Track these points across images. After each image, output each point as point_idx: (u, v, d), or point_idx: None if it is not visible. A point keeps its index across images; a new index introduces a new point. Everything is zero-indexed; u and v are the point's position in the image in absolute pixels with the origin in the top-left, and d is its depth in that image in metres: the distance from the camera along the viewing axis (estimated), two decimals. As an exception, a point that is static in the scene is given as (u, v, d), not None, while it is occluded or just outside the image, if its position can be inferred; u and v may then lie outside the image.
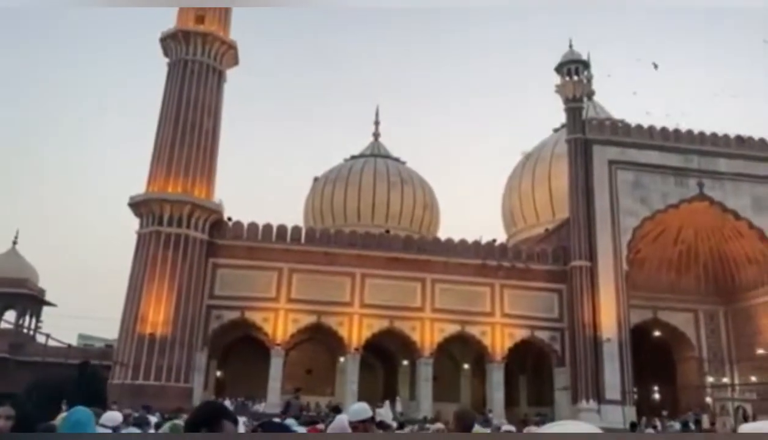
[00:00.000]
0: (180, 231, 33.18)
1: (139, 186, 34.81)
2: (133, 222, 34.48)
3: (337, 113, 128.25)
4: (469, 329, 35.75)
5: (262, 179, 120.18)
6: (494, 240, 39.67)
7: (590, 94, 47.37)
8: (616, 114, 48.29)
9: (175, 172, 34.38)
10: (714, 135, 39.03)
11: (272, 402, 32.45)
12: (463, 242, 37.53)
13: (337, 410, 19.09)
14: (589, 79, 40.68)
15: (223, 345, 37.32)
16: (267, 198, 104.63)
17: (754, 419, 32.93)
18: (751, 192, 37.97)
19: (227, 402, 30.56)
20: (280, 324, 34.18)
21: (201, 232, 33.98)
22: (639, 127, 38.97)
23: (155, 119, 36.23)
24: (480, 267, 36.46)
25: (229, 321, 34.12)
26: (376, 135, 58.64)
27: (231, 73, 39.11)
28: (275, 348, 33.91)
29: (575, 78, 39.55)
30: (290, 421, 9.28)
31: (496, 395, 35.30)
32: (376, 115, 59.77)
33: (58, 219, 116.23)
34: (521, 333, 36.13)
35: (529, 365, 40.41)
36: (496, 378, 35.72)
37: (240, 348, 37.49)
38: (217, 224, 35.05)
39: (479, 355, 37.78)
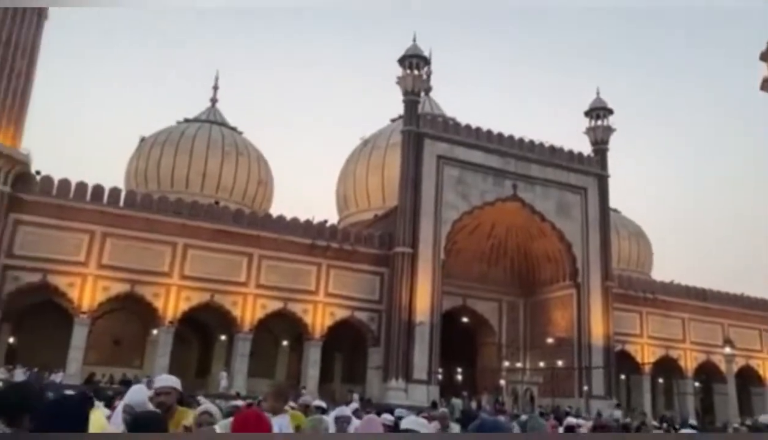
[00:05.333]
0: (-24, 180, 29.64)
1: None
2: None
3: (174, 71, 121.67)
4: (292, 306, 36.01)
5: (86, 133, 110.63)
6: (325, 221, 40.18)
7: (428, 90, 49.61)
8: (451, 112, 50.92)
9: (-25, 113, 30.56)
10: (531, 142, 42.75)
11: (72, 372, 30.25)
12: (294, 220, 37.60)
13: (127, 383, 18.19)
14: (428, 75, 42.54)
15: (20, 310, 34.00)
16: (90, 155, 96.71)
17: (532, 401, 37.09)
18: (557, 197, 42.26)
19: (18, 371, 28.06)
20: (87, 291, 31.88)
21: (2, 184, 30.61)
22: (467, 126, 41.50)
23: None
24: (309, 247, 36.79)
25: (28, 284, 31.17)
26: (214, 100, 56.19)
27: (57, 13, 35.53)
28: (80, 316, 31.57)
29: (416, 72, 41.07)
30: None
31: (312, 372, 35.98)
32: (216, 79, 57.28)
33: None
34: (342, 313, 37.11)
35: (346, 344, 41.65)
36: (313, 355, 36.41)
37: (39, 314, 34.34)
38: (24, 177, 31.80)
39: (299, 333, 38.19)
